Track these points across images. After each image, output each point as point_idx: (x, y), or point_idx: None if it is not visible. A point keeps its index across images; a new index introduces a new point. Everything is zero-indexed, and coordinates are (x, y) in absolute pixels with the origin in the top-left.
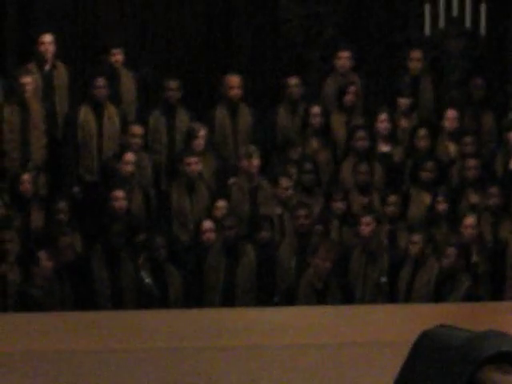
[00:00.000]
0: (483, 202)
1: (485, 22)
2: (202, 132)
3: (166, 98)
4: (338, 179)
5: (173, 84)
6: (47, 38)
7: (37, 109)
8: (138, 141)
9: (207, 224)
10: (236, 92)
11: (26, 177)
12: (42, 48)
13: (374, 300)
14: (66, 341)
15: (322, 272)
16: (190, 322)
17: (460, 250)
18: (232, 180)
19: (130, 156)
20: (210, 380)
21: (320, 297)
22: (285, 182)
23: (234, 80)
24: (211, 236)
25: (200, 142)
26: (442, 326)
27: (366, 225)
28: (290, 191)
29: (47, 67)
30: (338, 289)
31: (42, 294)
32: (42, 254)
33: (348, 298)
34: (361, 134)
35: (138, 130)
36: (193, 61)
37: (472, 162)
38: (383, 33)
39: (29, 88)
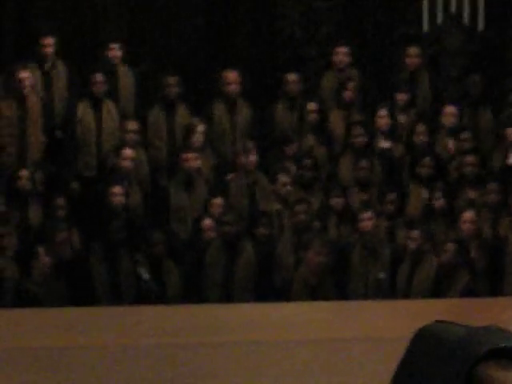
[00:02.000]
0: (482, 198)
1: (483, 18)
2: (201, 128)
3: (166, 93)
4: (336, 175)
5: (172, 80)
6: (49, 40)
7: (35, 104)
8: (133, 136)
9: (207, 222)
10: (234, 88)
11: (23, 172)
12: (43, 49)
13: (372, 296)
14: (64, 337)
15: (315, 268)
16: (188, 317)
17: (458, 246)
18: (230, 176)
19: (128, 151)
20: (209, 375)
21: (314, 293)
22: (283, 178)
23: (232, 76)
24: (211, 234)
25: (199, 138)
26: (439, 321)
27: (367, 220)
28: (289, 187)
29: (46, 64)
30: (333, 285)
31: (40, 290)
32: (40, 250)
33: (343, 294)
34: (359, 130)
35: (133, 125)
36: (191, 56)
37: (470, 158)
38: (381, 29)
39: (27, 83)
